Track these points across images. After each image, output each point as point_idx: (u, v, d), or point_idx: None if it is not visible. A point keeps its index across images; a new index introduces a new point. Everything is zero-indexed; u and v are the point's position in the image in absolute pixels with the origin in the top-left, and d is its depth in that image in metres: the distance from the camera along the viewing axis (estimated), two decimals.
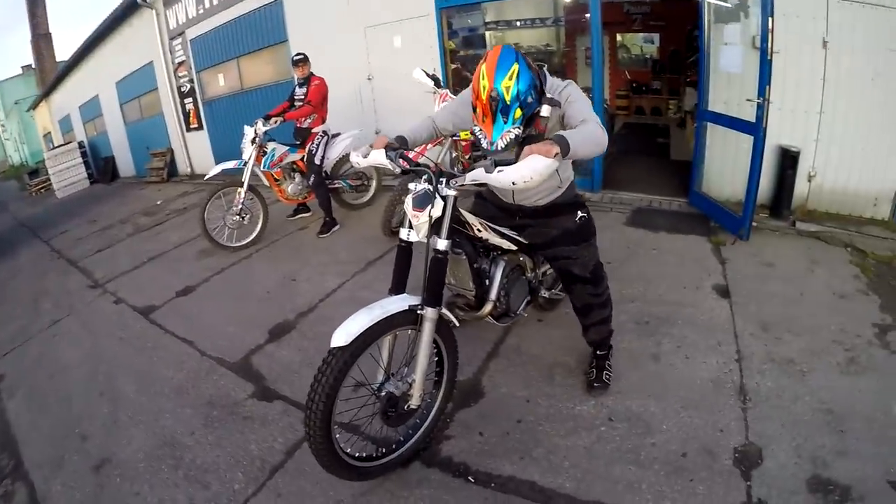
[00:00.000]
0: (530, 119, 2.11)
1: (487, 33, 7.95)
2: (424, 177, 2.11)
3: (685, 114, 8.22)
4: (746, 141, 4.44)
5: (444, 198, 2.08)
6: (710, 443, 2.39)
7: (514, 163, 1.81)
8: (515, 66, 1.99)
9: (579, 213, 2.55)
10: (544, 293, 3.15)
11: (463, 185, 2.07)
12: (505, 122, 2.03)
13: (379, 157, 2.26)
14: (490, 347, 3.26)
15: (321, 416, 1.97)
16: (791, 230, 4.71)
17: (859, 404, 2.55)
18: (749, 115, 4.35)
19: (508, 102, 1.99)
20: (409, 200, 2.08)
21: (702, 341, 3.14)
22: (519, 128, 2.04)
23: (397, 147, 2.32)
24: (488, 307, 2.54)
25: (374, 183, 6.48)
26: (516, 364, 3.09)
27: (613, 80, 10.18)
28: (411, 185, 2.14)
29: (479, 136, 2.11)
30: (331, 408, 1.99)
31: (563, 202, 2.55)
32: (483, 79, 2.01)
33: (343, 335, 1.95)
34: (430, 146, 4.64)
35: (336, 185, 6.05)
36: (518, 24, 8.57)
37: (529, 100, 2.02)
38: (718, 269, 4.06)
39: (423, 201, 2.04)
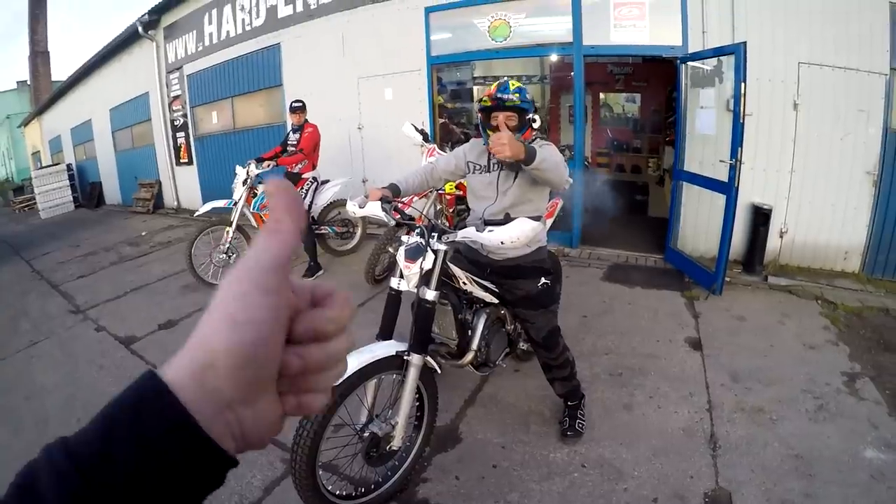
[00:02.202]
0: (523, 124, 2.45)
1: (475, 88, 8.24)
2: (417, 230, 2.28)
3: (664, 172, 8.49)
4: (720, 199, 4.66)
5: (435, 251, 2.22)
6: (680, 488, 2.48)
7: (504, 224, 1.99)
8: (519, 84, 2.49)
9: (542, 280, 2.68)
10: (522, 345, 3.26)
11: (454, 241, 2.23)
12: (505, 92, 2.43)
13: (374, 209, 2.43)
14: (468, 395, 3.33)
15: (307, 453, 2.04)
16: (763, 285, 4.89)
17: (827, 450, 2.68)
18: (723, 174, 4.56)
19: (511, 89, 2.46)
20: (401, 252, 2.23)
21: (673, 392, 3.25)
22: (514, 96, 2.41)
23: (391, 200, 2.49)
24: (470, 356, 2.65)
25: (359, 231, 6.58)
26: (493, 412, 3.16)
27: (596, 138, 10.49)
28: (404, 238, 2.30)
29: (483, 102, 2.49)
30: (317, 446, 2.07)
31: (529, 265, 2.68)
32: (490, 89, 2.52)
33: None
34: (416, 198, 4.79)
35: (322, 231, 6.14)
36: (505, 79, 8.87)
37: (527, 97, 2.43)
38: (691, 322, 4.21)
39: (415, 253, 2.20)
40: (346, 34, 7.64)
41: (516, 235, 1.93)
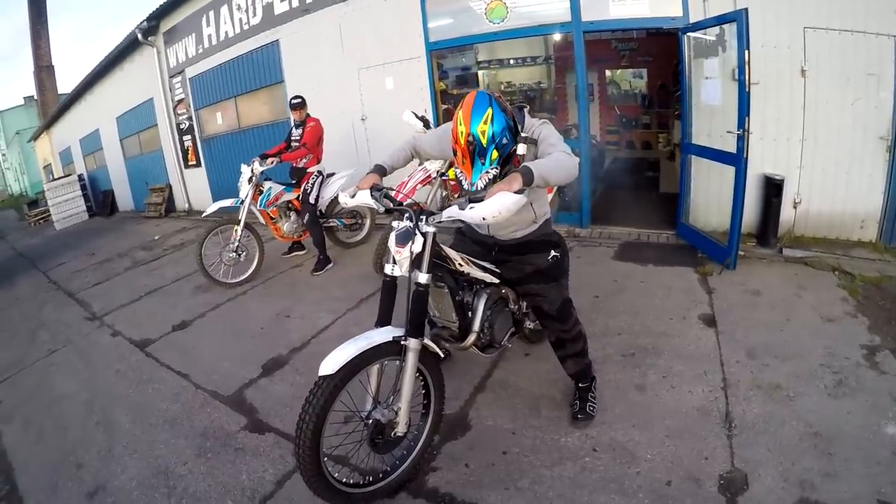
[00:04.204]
0: (508, 157, 2.26)
1: (480, 72, 8.13)
2: (406, 215, 2.24)
3: (674, 147, 8.37)
4: (731, 171, 4.55)
5: (423, 234, 2.19)
6: (695, 470, 2.41)
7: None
8: (489, 111, 2.15)
9: (552, 252, 2.66)
10: (529, 324, 3.21)
11: (440, 221, 2.20)
12: (483, 164, 2.18)
13: (364, 198, 2.43)
14: (477, 381, 3.29)
15: (310, 440, 2.05)
16: (778, 257, 4.78)
17: (847, 426, 2.58)
18: (731, 146, 4.46)
19: (485, 145, 2.15)
20: (392, 237, 2.20)
21: (687, 371, 3.18)
22: (496, 168, 2.18)
23: (381, 187, 2.46)
24: (472, 338, 2.63)
25: (368, 221, 6.59)
26: (503, 397, 3.12)
27: (604, 115, 10.37)
28: (394, 224, 2.27)
29: (461, 178, 2.27)
30: (319, 433, 2.08)
31: (537, 239, 2.66)
32: (460, 125, 2.17)
33: (330, 364, 2.05)
34: (419, 186, 4.74)
35: (331, 224, 6.16)
36: (511, 62, 8.81)
37: (504, 141, 2.18)
38: (705, 298, 4.12)
39: (404, 238, 2.17)
40: (343, 26, 7.61)
41: (497, 210, 1.88)
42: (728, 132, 4.47)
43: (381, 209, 2.42)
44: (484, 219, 1.92)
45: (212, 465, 2.85)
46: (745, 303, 4.00)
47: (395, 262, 2.25)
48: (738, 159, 4.40)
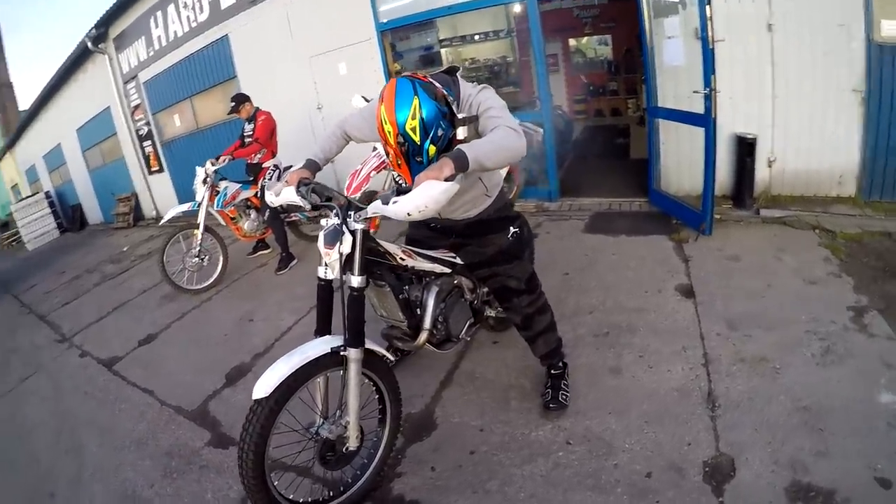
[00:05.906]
0: (448, 146, 1.98)
1: (443, 50, 7.92)
2: (334, 211, 2.01)
3: (643, 111, 8.27)
4: (700, 133, 4.39)
5: (352, 232, 1.96)
6: (677, 458, 2.26)
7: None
8: (416, 102, 1.85)
9: (511, 230, 2.50)
10: (490, 312, 3.05)
11: (368, 217, 1.98)
12: (420, 163, 1.91)
13: (290, 195, 2.17)
14: (443, 375, 3.14)
15: (252, 469, 1.91)
16: (756, 219, 4.64)
17: (838, 397, 2.43)
18: (698, 106, 4.29)
19: (418, 143, 1.87)
20: (320, 237, 1.99)
21: (665, 348, 3.02)
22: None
23: (309, 182, 2.20)
24: (424, 336, 2.44)
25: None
26: (470, 391, 2.97)
27: (570, 85, 10.22)
28: (323, 222, 2.05)
29: (400, 181, 2.06)
30: (261, 459, 1.93)
31: (495, 216, 2.48)
32: (385, 123, 1.88)
33: (263, 387, 1.88)
34: (373, 173, 4.54)
35: (293, 218, 5.96)
36: (476, 37, 8.60)
37: (440, 132, 1.90)
38: (681, 268, 3.97)
39: (333, 238, 1.95)
40: (291, 14, 7.38)
41: (423, 203, 1.64)
42: (694, 92, 4.28)
43: (308, 206, 2.14)
44: (409, 214, 1.67)
45: (178, 486, 2.75)
46: (724, 270, 3.85)
47: (327, 265, 2.04)
48: (706, 120, 4.23)
